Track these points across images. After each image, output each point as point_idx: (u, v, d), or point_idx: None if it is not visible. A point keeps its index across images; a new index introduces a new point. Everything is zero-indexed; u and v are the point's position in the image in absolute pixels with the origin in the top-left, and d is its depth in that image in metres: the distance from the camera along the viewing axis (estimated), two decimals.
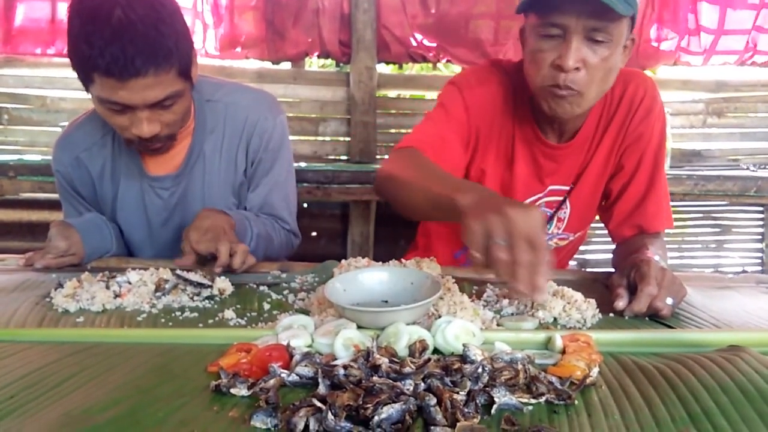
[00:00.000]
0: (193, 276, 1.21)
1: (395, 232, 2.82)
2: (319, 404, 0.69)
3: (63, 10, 2.82)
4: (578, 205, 1.48)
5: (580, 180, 1.45)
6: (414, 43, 2.91)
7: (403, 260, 1.23)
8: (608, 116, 1.41)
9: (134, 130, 1.28)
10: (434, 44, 2.93)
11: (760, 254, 3.21)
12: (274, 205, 1.57)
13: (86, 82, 1.25)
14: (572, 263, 2.26)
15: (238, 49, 2.88)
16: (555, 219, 1.51)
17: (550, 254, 0.89)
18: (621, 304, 1.08)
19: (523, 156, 1.43)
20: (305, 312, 1.09)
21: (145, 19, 1.19)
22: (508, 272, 0.87)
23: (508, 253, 0.86)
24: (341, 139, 3.03)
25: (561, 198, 1.48)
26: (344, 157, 3.03)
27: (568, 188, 1.47)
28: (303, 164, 2.83)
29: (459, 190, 0.99)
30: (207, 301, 1.17)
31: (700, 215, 3.19)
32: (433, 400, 0.69)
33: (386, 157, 3.01)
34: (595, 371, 0.80)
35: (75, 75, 1.27)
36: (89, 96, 1.30)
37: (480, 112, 1.39)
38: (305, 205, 1.74)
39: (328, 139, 3.04)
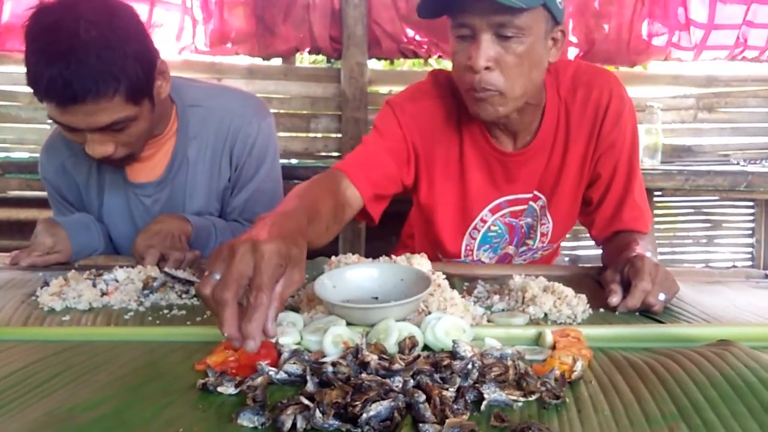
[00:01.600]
0: (180, 273, 1.20)
1: (387, 229, 2.80)
2: (306, 402, 0.68)
3: None
4: (559, 217, 1.47)
5: (557, 192, 1.42)
6: (405, 39, 2.90)
7: (393, 256, 1.22)
8: (570, 121, 1.36)
9: (87, 149, 1.26)
10: (425, 40, 2.92)
11: (750, 249, 3.23)
12: (256, 211, 1.55)
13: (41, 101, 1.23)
14: (565, 260, 2.26)
15: (229, 45, 2.87)
16: (538, 234, 1.49)
17: (276, 300, 0.76)
18: (615, 299, 1.08)
19: (477, 164, 1.39)
20: (295, 309, 1.08)
21: (89, 44, 1.16)
22: (212, 312, 0.76)
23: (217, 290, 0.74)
24: (332, 135, 3.02)
25: (524, 207, 1.45)
26: (335, 154, 3.02)
27: (529, 196, 1.43)
28: (294, 161, 2.82)
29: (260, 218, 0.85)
30: (195, 298, 1.16)
31: (691, 210, 3.20)
32: (422, 397, 0.68)
33: None
34: (579, 365, 0.80)
35: None
36: None
37: (414, 127, 1.36)
38: None
39: (319, 135, 3.03)
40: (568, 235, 1.64)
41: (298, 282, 0.80)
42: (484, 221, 1.46)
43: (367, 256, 1.28)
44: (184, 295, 1.17)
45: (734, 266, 1.36)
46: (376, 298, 1.06)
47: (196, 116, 1.48)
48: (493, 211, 1.45)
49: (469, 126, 1.37)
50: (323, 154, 3.03)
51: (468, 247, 1.49)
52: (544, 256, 1.59)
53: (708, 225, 3.22)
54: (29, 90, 1.20)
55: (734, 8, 2.91)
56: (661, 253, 3.14)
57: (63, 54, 1.14)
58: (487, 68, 1.17)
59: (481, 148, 1.38)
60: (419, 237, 1.64)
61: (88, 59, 1.15)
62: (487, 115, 1.23)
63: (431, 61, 3.10)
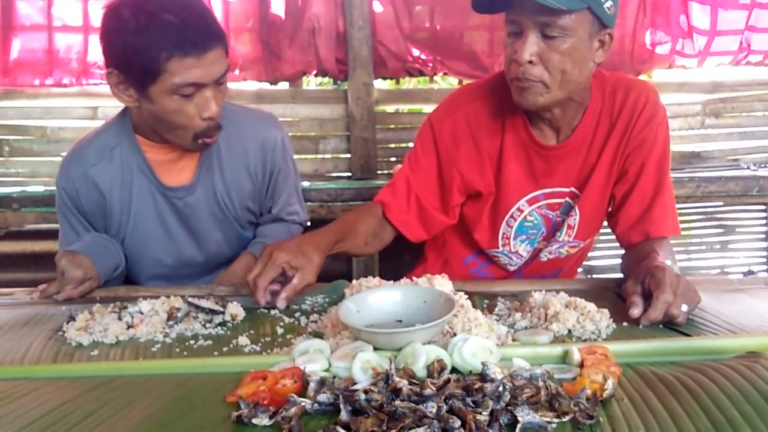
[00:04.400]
0: (204, 303, 1.21)
1: (400, 248, 2.81)
2: (343, 431, 0.69)
3: (59, 41, 2.84)
4: (587, 211, 1.49)
5: (587, 186, 1.46)
6: (410, 58, 2.92)
7: (414, 278, 1.23)
8: (609, 120, 1.43)
9: (205, 112, 1.35)
10: (430, 58, 2.94)
11: (765, 253, 3.20)
12: (293, 204, 1.71)
13: (149, 79, 1.30)
14: (579, 270, 2.26)
15: (236, 72, 2.89)
16: (565, 226, 1.51)
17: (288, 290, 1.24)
18: (636, 312, 1.08)
19: (516, 157, 1.46)
20: (319, 335, 1.09)
21: (193, 2, 1.33)
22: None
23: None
24: (341, 156, 3.03)
25: (562, 200, 1.49)
26: (345, 174, 3.03)
27: (567, 190, 1.48)
28: (307, 183, 2.83)
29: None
30: (219, 327, 1.17)
31: (703, 217, 3.19)
32: (458, 423, 0.69)
33: (387, 172, 3.03)
34: (609, 384, 0.80)
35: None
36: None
37: (453, 142, 1.47)
38: (309, 223, 1.80)
39: (328, 156, 3.04)
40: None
41: (301, 280, 1.25)
42: (520, 211, 1.51)
43: (381, 276, 1.29)
44: (207, 325, 1.17)
45: (751, 271, 1.36)
46: (400, 320, 1.07)
47: (222, 127, 1.52)
48: (530, 203, 1.50)
49: (513, 120, 1.44)
50: (333, 174, 3.04)
51: (504, 236, 1.54)
52: (569, 255, 1.59)
53: (721, 230, 3.20)
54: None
55: (736, 14, 2.91)
56: (677, 261, 3.12)
57: (184, 6, 1.29)
58: (530, 62, 1.26)
59: (523, 141, 1.45)
60: (453, 237, 1.66)
61: (205, 13, 1.34)
62: (528, 103, 1.32)
63: (437, 78, 3.12)
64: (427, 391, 0.77)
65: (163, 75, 1.29)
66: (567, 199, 1.49)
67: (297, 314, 1.22)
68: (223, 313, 1.20)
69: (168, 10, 1.27)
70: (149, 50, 1.26)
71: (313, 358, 0.93)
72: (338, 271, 2.58)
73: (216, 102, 1.35)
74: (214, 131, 1.40)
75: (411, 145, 1.57)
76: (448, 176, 1.48)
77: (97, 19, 2.83)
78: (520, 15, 1.24)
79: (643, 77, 3.04)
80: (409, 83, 3.17)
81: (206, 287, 1.43)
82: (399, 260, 2.67)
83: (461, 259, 1.65)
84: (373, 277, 1.28)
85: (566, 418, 0.73)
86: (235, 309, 1.21)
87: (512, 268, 1.60)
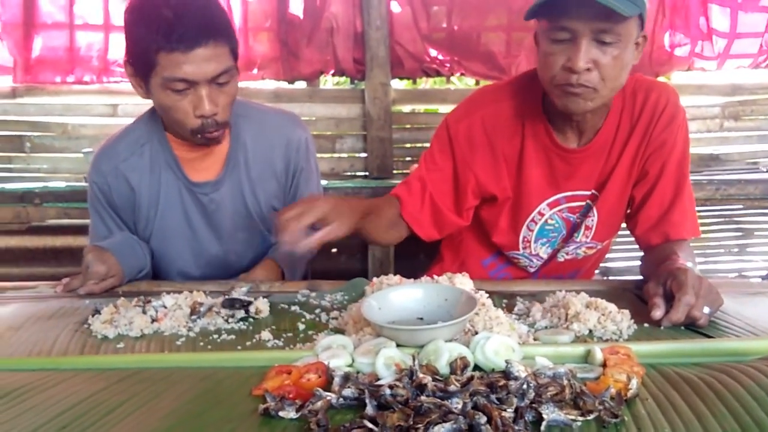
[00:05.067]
0: (236, 293, 1.23)
1: (415, 248, 2.81)
2: (370, 425, 0.69)
3: (80, 39, 2.87)
4: (605, 212, 1.49)
5: (606, 187, 1.46)
6: (428, 58, 2.93)
7: (434, 276, 1.23)
8: (629, 122, 1.42)
9: (197, 111, 1.35)
10: (447, 58, 2.94)
11: None
12: None
13: (148, 71, 1.32)
14: (595, 272, 2.25)
15: (255, 71, 2.91)
16: (583, 227, 1.51)
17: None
18: (659, 313, 1.08)
19: (537, 160, 1.45)
20: (340, 331, 1.10)
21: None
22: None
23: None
24: (358, 155, 3.04)
25: (582, 203, 1.49)
26: (362, 173, 3.04)
27: (588, 193, 1.48)
28: (325, 182, 2.85)
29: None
30: (241, 322, 1.18)
31: (722, 219, 3.16)
32: (484, 419, 0.69)
33: (403, 171, 3.03)
34: (634, 383, 0.80)
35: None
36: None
37: (468, 145, 1.46)
38: None
39: (345, 155, 3.05)
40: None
41: (335, 230, 1.22)
42: (541, 214, 1.50)
43: (396, 274, 1.30)
44: (230, 320, 1.19)
45: None
46: (421, 318, 1.07)
47: (248, 126, 1.56)
48: (551, 206, 1.49)
49: (534, 123, 1.43)
50: (349, 173, 3.06)
51: (525, 239, 1.54)
52: (587, 256, 1.59)
53: (739, 233, 3.18)
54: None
55: (756, 16, 2.89)
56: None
57: (179, 8, 1.29)
58: (587, 69, 1.24)
59: (544, 145, 1.44)
60: (471, 239, 1.66)
61: (204, 10, 1.32)
62: (577, 107, 1.30)
63: (453, 79, 3.13)
64: (452, 388, 0.78)
65: (156, 68, 1.31)
66: (588, 201, 1.49)
67: (317, 311, 1.23)
68: (251, 303, 1.21)
69: (167, 4, 1.29)
70: (143, 42, 1.30)
71: (336, 353, 0.94)
72: (355, 270, 2.59)
73: (211, 101, 1.34)
74: (213, 129, 1.39)
75: (427, 145, 1.56)
76: (463, 178, 1.48)
77: (117, 18, 2.87)
78: (575, 21, 1.21)
79: (661, 79, 3.03)
80: (425, 83, 3.17)
81: (226, 283, 1.44)
82: (414, 260, 2.67)
83: (479, 262, 1.65)
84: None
85: (591, 417, 0.73)
86: (263, 305, 1.22)
87: (532, 270, 1.60)
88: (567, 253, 1.57)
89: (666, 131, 1.41)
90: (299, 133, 1.61)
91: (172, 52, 1.28)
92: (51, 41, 2.87)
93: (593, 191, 1.48)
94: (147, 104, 1.52)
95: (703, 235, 3.13)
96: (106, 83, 2.87)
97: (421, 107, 3.17)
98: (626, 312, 1.11)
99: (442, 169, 1.49)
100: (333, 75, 3.00)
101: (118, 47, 2.86)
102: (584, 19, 1.20)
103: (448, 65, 2.95)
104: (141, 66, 1.34)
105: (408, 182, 1.51)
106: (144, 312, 1.19)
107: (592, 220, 1.50)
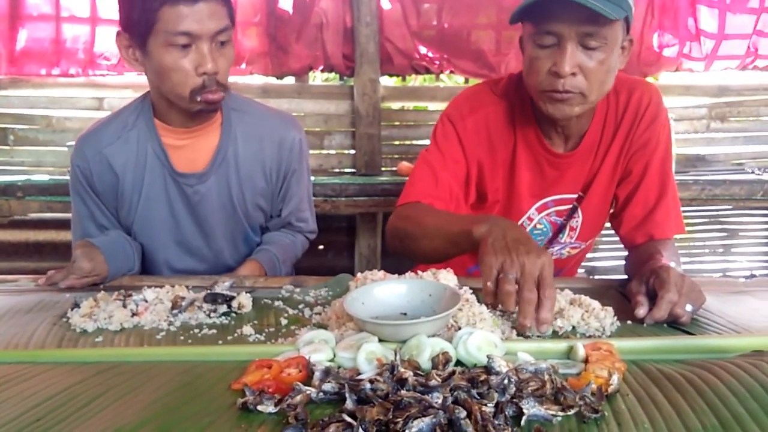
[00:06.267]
0: (219, 288, 1.22)
1: None
2: (349, 419, 0.69)
3: (66, 31, 2.85)
4: (589, 213, 1.49)
5: (591, 188, 1.46)
6: (417, 55, 2.93)
7: (419, 271, 1.23)
8: (614, 122, 1.42)
9: (200, 68, 1.35)
10: (437, 56, 2.94)
11: (767, 257, 3.21)
12: (305, 211, 1.71)
13: (147, 32, 1.32)
14: (580, 271, 2.26)
15: (243, 65, 2.90)
16: (567, 228, 1.51)
17: (553, 293, 1.02)
18: (642, 311, 1.08)
19: (527, 164, 1.44)
20: (323, 327, 1.09)
21: None
22: (511, 305, 1.01)
23: (517, 288, 1.00)
24: (346, 151, 3.04)
25: (569, 206, 1.49)
26: (350, 170, 3.04)
27: (575, 196, 1.47)
28: (312, 178, 2.84)
29: (474, 222, 1.15)
30: (223, 317, 1.17)
31: (707, 220, 3.19)
32: (463, 413, 0.69)
33: (391, 168, 3.03)
34: (615, 379, 0.80)
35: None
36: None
37: (476, 141, 1.43)
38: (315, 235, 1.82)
39: (333, 152, 3.05)
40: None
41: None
42: (530, 219, 1.50)
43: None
44: (212, 314, 1.18)
45: (753, 275, 1.35)
46: (405, 314, 1.07)
47: (240, 120, 1.55)
48: (539, 210, 1.49)
49: (524, 128, 1.42)
50: (337, 170, 3.05)
51: None
52: (570, 256, 1.59)
53: (724, 234, 3.20)
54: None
55: (744, 18, 2.92)
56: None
57: None
58: (572, 74, 1.23)
59: (534, 150, 1.43)
60: None
61: None
62: (563, 114, 1.29)
63: (443, 76, 3.13)
64: (433, 382, 0.77)
65: (157, 24, 1.31)
66: (574, 203, 1.49)
67: (301, 306, 1.22)
68: (234, 298, 1.20)
69: None
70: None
71: (317, 348, 0.93)
72: (341, 267, 2.58)
73: (213, 59, 1.35)
74: (214, 88, 1.39)
75: (416, 142, 1.54)
76: (471, 171, 1.45)
77: (104, 11, 2.84)
78: (559, 26, 1.20)
79: (649, 80, 3.04)
80: (415, 81, 3.18)
81: (210, 278, 1.43)
82: (401, 258, 2.67)
83: (465, 269, 1.64)
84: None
85: (571, 412, 0.73)
86: (246, 300, 1.21)
87: None
88: (551, 254, 1.57)
89: (649, 130, 1.41)
90: (293, 134, 1.60)
91: (176, 5, 1.29)
92: (36, 33, 2.85)
93: (579, 193, 1.48)
94: (133, 98, 1.50)
95: (688, 236, 3.16)
96: (92, 76, 2.85)
97: (410, 104, 3.18)
98: (610, 309, 1.11)
99: (457, 161, 1.44)
100: (322, 71, 3.00)
101: (104, 40, 2.83)
102: (569, 23, 1.20)
103: (437, 62, 2.96)
104: (139, 28, 1.33)
105: (420, 182, 1.44)
106: (124, 306, 1.17)
107: (577, 221, 1.50)
